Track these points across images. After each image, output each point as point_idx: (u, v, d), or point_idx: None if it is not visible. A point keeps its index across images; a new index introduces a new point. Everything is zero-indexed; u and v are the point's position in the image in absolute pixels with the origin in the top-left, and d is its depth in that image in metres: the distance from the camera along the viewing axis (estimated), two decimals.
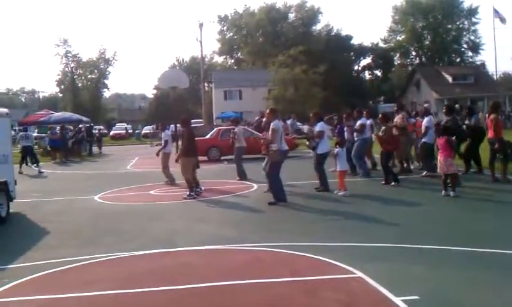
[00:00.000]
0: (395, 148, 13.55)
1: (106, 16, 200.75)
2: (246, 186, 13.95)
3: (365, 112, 15.77)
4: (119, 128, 61.05)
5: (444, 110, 13.94)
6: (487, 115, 14.51)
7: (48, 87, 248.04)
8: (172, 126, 23.97)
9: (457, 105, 15.19)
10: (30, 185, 16.13)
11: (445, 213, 9.70)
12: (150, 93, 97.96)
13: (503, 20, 51.26)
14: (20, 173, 20.27)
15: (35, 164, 22.21)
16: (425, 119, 14.06)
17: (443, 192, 10.99)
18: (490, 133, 12.54)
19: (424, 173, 14.05)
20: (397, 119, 14.79)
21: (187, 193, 12.54)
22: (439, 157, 11.25)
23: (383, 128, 13.25)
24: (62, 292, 5.92)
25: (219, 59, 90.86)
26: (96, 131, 37.76)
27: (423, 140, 13.99)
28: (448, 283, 5.69)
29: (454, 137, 11.29)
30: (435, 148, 13.61)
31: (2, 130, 11.57)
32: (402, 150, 14.82)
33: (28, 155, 22.51)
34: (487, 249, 6.88)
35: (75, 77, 72.39)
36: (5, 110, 12.67)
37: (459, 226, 8.64)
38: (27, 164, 22.50)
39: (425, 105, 16.50)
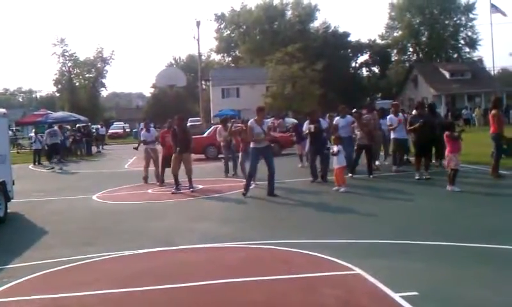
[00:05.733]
0: (370, 142, 14.13)
1: (103, 15, 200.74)
2: (243, 184, 13.92)
3: (340, 109, 15.84)
4: (117, 127, 60.88)
5: (415, 107, 14.49)
6: (489, 111, 14.60)
7: (45, 86, 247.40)
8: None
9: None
10: (28, 185, 16.10)
11: (441, 209, 9.70)
12: (148, 91, 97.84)
13: (504, 14, 51.34)
14: (55, 168, 21.59)
15: (54, 161, 22.89)
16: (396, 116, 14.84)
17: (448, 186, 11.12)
18: (492, 129, 12.58)
19: (394, 168, 14.64)
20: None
21: (174, 187, 13.38)
22: None
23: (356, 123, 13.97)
24: (61, 292, 5.92)
25: (216, 57, 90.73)
26: (94, 130, 37.72)
27: (392, 136, 14.81)
28: (447, 278, 5.70)
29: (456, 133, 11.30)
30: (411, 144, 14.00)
31: None
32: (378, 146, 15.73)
33: (55, 152, 23.03)
34: (485, 244, 6.90)
35: (73, 76, 72.11)
36: (2, 110, 12.65)
37: (456, 221, 8.65)
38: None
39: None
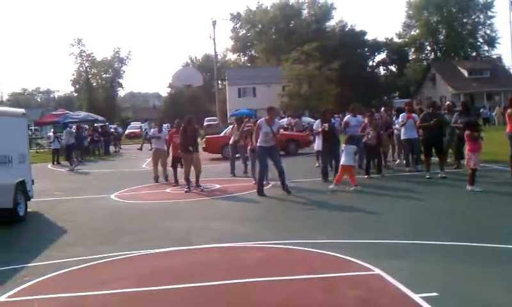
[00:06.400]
0: (379, 142, 14.26)
1: (120, 16, 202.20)
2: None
3: (351, 108, 15.93)
4: (133, 127, 61.28)
5: (429, 106, 14.76)
6: (504, 109, 14.52)
7: (63, 86, 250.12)
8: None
9: (447, 102, 16.14)
10: (47, 185, 16.28)
11: (460, 209, 9.60)
12: (164, 91, 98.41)
13: None
14: (72, 170, 21.80)
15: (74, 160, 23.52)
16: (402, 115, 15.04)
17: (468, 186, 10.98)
18: (508, 128, 12.45)
19: (407, 168, 14.77)
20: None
21: (187, 187, 13.49)
22: None
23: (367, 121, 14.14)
24: (82, 290, 5.96)
25: (232, 57, 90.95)
26: (113, 130, 38.05)
27: (402, 137, 14.89)
28: (467, 279, 5.64)
29: (476, 133, 11.15)
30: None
31: (19, 130, 11.69)
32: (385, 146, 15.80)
33: (73, 151, 23.65)
34: (505, 244, 6.81)
35: (90, 76, 72.91)
36: (21, 110, 12.79)
37: (475, 221, 8.54)
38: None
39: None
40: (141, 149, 18.95)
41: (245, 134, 15.46)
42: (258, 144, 12.08)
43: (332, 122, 14.22)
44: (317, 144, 14.74)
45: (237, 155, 16.47)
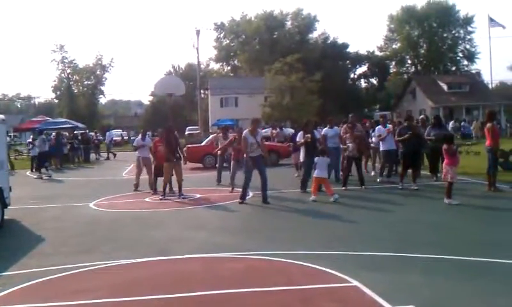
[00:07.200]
0: (361, 153, 14.67)
1: (103, 23, 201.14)
2: (238, 194, 13.89)
3: (328, 120, 16.24)
4: (115, 135, 60.62)
5: (404, 119, 15.22)
6: (484, 125, 14.82)
7: (44, 93, 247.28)
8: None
9: (421, 116, 16.79)
10: (25, 192, 16.07)
11: (438, 222, 9.68)
12: (146, 99, 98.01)
13: (503, 26, 52.03)
14: (50, 175, 21.76)
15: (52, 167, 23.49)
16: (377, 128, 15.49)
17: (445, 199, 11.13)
18: (488, 142, 12.68)
19: (379, 179, 14.96)
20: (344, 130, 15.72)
21: (162, 195, 13.69)
22: None
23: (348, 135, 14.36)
24: (56, 300, 5.89)
25: (215, 66, 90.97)
26: (94, 137, 37.61)
27: (381, 148, 15.17)
28: (444, 291, 5.70)
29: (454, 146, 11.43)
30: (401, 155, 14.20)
31: None
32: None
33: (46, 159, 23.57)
34: (482, 257, 6.89)
35: (72, 83, 72.23)
36: (1, 116, 12.62)
37: (453, 234, 8.65)
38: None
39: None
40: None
41: (230, 144, 15.52)
42: (245, 155, 12.37)
43: (315, 134, 14.37)
44: (302, 155, 14.82)
45: (225, 165, 16.51)
